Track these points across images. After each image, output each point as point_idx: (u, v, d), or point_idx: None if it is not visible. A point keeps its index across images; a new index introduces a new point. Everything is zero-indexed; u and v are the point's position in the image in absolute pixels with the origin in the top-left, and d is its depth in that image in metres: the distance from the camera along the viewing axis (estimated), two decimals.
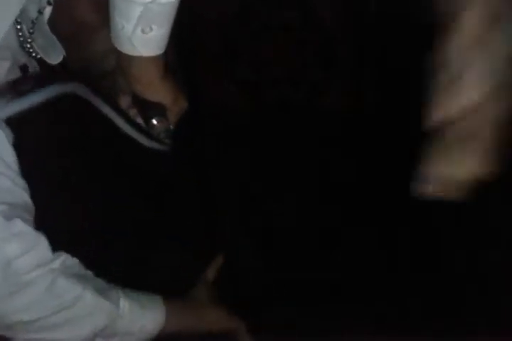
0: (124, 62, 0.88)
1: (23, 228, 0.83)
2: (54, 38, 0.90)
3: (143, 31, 0.82)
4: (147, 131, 0.97)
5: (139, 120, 0.98)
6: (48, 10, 0.89)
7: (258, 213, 1.53)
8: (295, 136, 1.65)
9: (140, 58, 0.86)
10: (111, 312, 0.88)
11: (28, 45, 0.91)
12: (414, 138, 1.60)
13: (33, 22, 0.90)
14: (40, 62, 0.95)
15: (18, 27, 0.89)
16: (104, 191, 1.42)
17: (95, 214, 1.38)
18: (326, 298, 1.34)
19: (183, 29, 0.97)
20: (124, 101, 0.97)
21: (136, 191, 1.49)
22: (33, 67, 0.96)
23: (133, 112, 0.97)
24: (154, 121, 0.96)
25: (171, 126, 0.99)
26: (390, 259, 1.40)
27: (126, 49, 0.85)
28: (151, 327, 0.93)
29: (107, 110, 0.91)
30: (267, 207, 1.55)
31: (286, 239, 1.48)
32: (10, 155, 0.85)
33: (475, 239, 1.37)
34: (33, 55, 0.92)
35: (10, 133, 0.86)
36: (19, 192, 0.85)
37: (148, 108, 0.94)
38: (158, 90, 0.92)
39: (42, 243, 0.84)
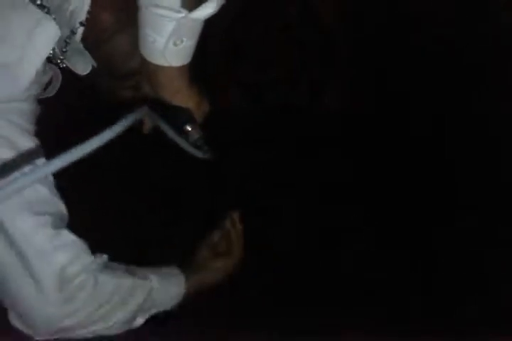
0: (151, 71, 0.90)
1: (69, 237, 0.87)
2: (87, 53, 0.93)
3: (175, 44, 0.84)
4: (188, 140, 0.99)
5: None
6: (81, 30, 0.91)
7: (258, 213, 1.53)
8: (295, 136, 1.66)
9: (169, 68, 0.89)
10: (145, 286, 0.96)
11: (59, 61, 0.93)
12: (413, 138, 1.61)
13: (66, 42, 0.91)
14: (64, 71, 0.97)
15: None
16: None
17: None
18: (326, 297, 1.34)
19: None
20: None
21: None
22: (56, 78, 0.97)
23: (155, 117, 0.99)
24: (188, 128, 0.98)
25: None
26: (389, 259, 1.40)
27: (157, 60, 0.88)
28: (179, 292, 1.01)
29: (161, 124, 0.93)
30: (267, 206, 1.55)
31: (286, 239, 1.48)
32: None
33: (475, 240, 1.37)
34: (60, 66, 0.94)
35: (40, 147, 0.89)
36: (57, 202, 0.88)
37: (176, 113, 0.96)
38: (185, 96, 0.95)
39: (86, 249, 0.89)
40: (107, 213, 1.42)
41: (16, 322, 0.88)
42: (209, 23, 0.86)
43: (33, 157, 0.83)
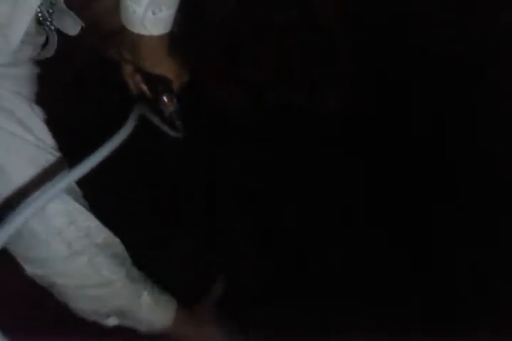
0: (133, 41, 0.94)
1: (70, 202, 0.92)
2: (72, 13, 0.96)
3: (153, 13, 0.87)
4: (163, 113, 1.01)
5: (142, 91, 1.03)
6: None
7: (258, 212, 1.53)
8: (296, 136, 1.66)
9: (149, 37, 0.91)
10: (133, 302, 0.99)
11: (48, 23, 0.95)
12: (413, 138, 1.61)
13: (51, 3, 0.94)
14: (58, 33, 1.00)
15: (38, 10, 0.92)
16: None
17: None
18: (326, 297, 1.34)
19: (185, 30, 0.99)
20: (127, 69, 1.04)
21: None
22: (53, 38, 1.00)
23: (137, 80, 1.01)
24: (165, 98, 1.01)
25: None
26: (390, 259, 1.40)
27: (137, 29, 0.91)
28: (157, 326, 1.05)
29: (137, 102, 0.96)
30: (268, 206, 1.55)
31: (287, 238, 1.48)
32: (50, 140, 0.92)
33: (475, 239, 1.37)
34: (52, 28, 0.97)
35: (43, 113, 0.93)
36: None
37: (155, 82, 0.98)
38: (164, 65, 0.98)
39: (87, 216, 0.94)
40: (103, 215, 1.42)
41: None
42: (207, 21, 0.87)
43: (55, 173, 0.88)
